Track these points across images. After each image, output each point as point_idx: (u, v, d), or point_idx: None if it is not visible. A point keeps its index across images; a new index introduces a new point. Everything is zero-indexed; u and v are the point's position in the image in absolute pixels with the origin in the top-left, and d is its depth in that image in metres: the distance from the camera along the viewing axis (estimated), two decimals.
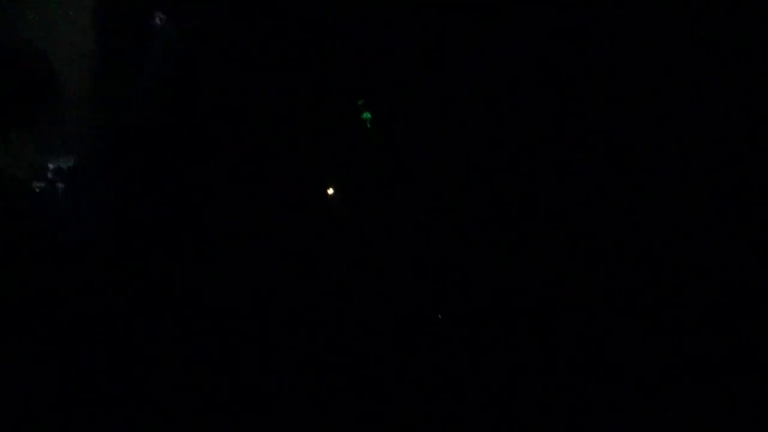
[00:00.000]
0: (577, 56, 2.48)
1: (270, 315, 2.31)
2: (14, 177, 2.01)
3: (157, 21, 2.28)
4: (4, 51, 1.99)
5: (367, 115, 2.51)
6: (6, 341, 1.96)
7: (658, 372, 2.32)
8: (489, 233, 2.48)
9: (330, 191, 2.47)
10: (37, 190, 1.97)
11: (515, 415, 2.34)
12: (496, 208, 2.49)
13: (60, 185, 2.01)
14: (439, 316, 2.43)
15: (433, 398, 2.35)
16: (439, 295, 2.45)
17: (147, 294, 2.16)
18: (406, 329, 2.42)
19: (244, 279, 2.30)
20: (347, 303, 2.41)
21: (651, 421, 2.30)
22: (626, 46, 2.46)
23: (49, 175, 1.99)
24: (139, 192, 2.26)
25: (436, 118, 2.55)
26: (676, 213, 2.44)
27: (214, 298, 2.26)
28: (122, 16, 2.37)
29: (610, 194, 2.48)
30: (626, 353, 2.35)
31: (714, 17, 2.33)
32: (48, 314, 1.99)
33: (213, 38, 2.43)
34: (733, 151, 2.37)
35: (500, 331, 2.40)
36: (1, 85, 1.97)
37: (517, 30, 2.50)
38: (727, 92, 2.38)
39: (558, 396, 2.34)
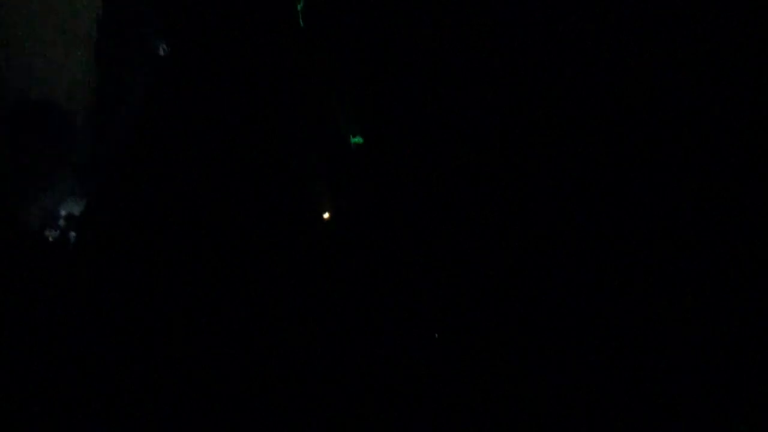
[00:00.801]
0: (571, 56, 2.49)
1: (266, 316, 2.29)
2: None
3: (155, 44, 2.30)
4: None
5: (358, 139, 2.51)
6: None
7: (657, 372, 2.33)
8: (484, 234, 2.49)
9: (326, 215, 2.48)
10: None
11: (514, 415, 2.34)
12: (490, 208, 2.51)
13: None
14: (437, 335, 2.42)
15: (432, 398, 2.34)
16: (435, 296, 2.45)
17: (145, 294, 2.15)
18: (403, 330, 2.41)
19: (241, 280, 2.29)
20: (343, 304, 2.39)
21: (651, 420, 2.30)
22: (615, 46, 2.46)
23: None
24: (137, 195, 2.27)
25: (424, 119, 2.56)
26: (676, 213, 2.44)
27: (212, 299, 2.25)
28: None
29: (600, 194, 2.49)
30: (626, 353, 2.36)
31: (714, 17, 2.34)
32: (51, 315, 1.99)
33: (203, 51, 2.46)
34: (733, 151, 2.37)
35: (494, 332, 2.40)
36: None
37: (506, 30, 2.51)
38: (727, 92, 2.39)
39: (558, 396, 2.34)
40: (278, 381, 2.26)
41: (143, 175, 2.33)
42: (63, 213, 1.97)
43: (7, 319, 1.97)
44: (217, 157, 2.41)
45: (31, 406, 1.95)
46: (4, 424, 1.91)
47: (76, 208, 2.01)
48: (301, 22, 2.54)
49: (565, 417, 2.33)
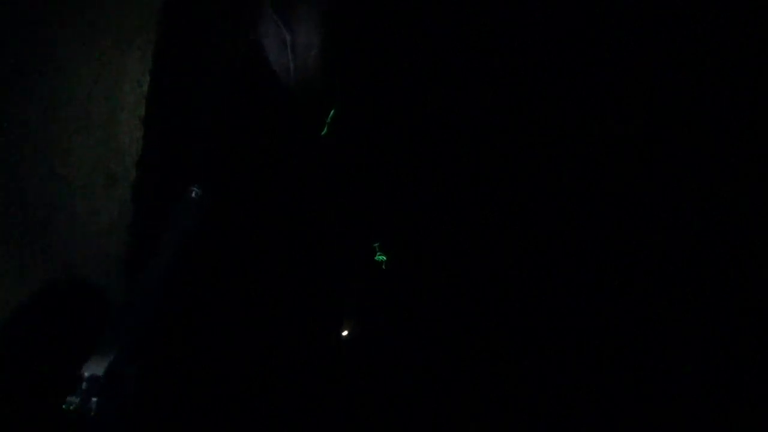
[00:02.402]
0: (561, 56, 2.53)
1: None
2: None
3: None
4: None
5: (381, 257, 2.50)
6: None
7: (657, 372, 2.30)
8: (484, 234, 2.48)
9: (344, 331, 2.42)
10: None
11: (514, 415, 2.30)
12: (490, 209, 2.51)
13: None
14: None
15: (432, 398, 2.32)
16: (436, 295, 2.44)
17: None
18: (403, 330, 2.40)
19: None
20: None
21: (650, 421, 2.24)
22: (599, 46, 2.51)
23: None
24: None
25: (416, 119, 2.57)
26: (676, 213, 2.46)
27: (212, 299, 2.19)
28: None
29: (600, 195, 2.42)
30: (626, 353, 2.32)
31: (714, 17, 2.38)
32: None
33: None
34: (733, 151, 2.33)
35: (494, 332, 2.39)
36: None
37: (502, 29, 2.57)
38: (727, 92, 2.38)
39: (558, 396, 2.31)
40: (278, 381, 2.22)
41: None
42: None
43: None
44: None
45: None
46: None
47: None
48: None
49: (565, 417, 2.29)
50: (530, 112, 2.65)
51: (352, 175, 2.68)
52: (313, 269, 2.55)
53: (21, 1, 1.96)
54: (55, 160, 1.98)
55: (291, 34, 2.80)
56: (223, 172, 2.64)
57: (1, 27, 1.96)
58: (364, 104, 2.76)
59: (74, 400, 1.57)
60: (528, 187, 2.61)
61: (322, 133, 2.69)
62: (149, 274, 1.92)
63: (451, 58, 2.71)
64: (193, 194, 2.16)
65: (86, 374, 1.63)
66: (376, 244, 2.64)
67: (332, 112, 2.70)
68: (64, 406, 1.56)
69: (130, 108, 2.10)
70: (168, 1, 2.20)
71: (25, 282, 1.93)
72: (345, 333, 2.55)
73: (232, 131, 2.69)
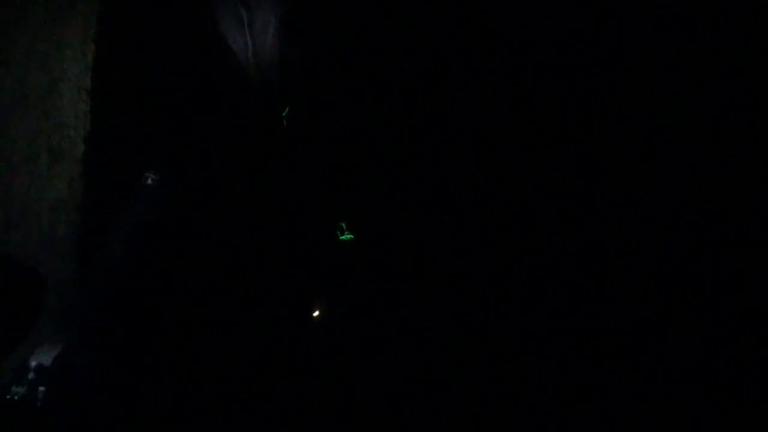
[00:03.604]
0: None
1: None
2: None
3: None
4: None
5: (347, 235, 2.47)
6: None
7: (657, 372, 2.31)
8: (483, 234, 2.47)
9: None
10: None
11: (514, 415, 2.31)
12: (489, 209, 2.50)
13: None
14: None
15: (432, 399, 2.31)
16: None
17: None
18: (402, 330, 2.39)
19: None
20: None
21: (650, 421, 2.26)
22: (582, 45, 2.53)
23: None
24: None
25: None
26: (676, 213, 2.45)
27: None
28: None
29: (599, 195, 2.49)
30: (626, 353, 2.33)
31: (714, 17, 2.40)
32: None
33: None
34: (733, 151, 2.37)
35: (493, 332, 2.38)
36: None
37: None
38: (728, 92, 2.42)
39: (558, 396, 2.32)
40: (278, 381, 2.19)
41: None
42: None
43: None
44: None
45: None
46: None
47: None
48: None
49: (565, 417, 2.30)
50: (530, 112, 2.63)
51: (315, 155, 2.61)
52: (281, 255, 2.48)
53: None
54: None
55: (248, 11, 2.69)
56: (182, 154, 2.53)
57: None
58: (329, 87, 2.68)
59: (19, 389, 1.47)
60: (528, 187, 2.59)
61: (284, 114, 2.60)
62: (101, 263, 1.82)
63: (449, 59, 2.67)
64: (149, 180, 2.04)
65: (33, 364, 1.53)
66: (341, 223, 2.58)
67: (290, 94, 2.62)
68: (8, 396, 1.46)
69: (72, 80, 1.96)
70: None
71: None
72: (316, 313, 2.50)
73: (189, 111, 2.56)
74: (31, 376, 1.51)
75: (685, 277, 2.42)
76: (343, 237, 2.51)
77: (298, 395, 2.20)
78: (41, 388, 1.50)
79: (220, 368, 2.14)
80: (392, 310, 2.48)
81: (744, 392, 2.28)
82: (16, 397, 1.45)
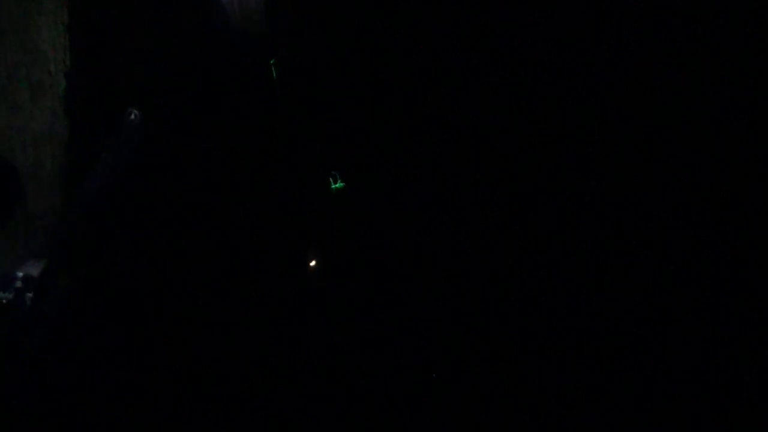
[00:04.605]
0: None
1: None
2: None
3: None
4: None
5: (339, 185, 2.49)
6: None
7: (657, 372, 2.32)
8: (483, 235, 2.49)
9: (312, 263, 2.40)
10: None
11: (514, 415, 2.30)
12: (489, 209, 2.52)
13: None
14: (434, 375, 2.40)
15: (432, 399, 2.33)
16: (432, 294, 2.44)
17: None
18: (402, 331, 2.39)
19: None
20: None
21: (651, 421, 2.26)
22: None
23: None
24: None
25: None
26: (676, 213, 2.40)
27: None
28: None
29: (599, 195, 2.47)
30: (626, 353, 2.34)
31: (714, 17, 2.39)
32: None
33: None
34: (733, 151, 2.39)
35: (493, 332, 2.39)
36: None
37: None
38: (727, 92, 2.41)
39: (558, 396, 2.32)
40: (278, 381, 2.22)
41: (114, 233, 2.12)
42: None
43: None
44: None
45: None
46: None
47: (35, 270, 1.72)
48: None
49: (565, 417, 2.29)
50: (530, 112, 2.62)
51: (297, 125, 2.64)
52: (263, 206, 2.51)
53: None
54: None
55: None
56: (166, 96, 2.57)
57: None
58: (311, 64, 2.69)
59: (7, 295, 1.58)
60: (528, 187, 2.59)
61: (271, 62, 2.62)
62: (83, 193, 1.90)
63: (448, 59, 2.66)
64: (132, 116, 2.10)
65: (20, 274, 1.63)
66: (333, 173, 2.61)
67: (274, 67, 2.63)
68: None
69: (49, 12, 2.02)
70: None
71: None
72: (312, 264, 2.55)
73: (173, 62, 2.59)
74: (18, 284, 1.61)
75: (685, 277, 2.43)
76: (335, 186, 2.54)
77: (296, 392, 2.25)
78: (28, 294, 1.61)
79: (219, 366, 2.20)
80: (392, 310, 2.50)
81: (744, 392, 2.29)
82: (4, 301, 1.56)
